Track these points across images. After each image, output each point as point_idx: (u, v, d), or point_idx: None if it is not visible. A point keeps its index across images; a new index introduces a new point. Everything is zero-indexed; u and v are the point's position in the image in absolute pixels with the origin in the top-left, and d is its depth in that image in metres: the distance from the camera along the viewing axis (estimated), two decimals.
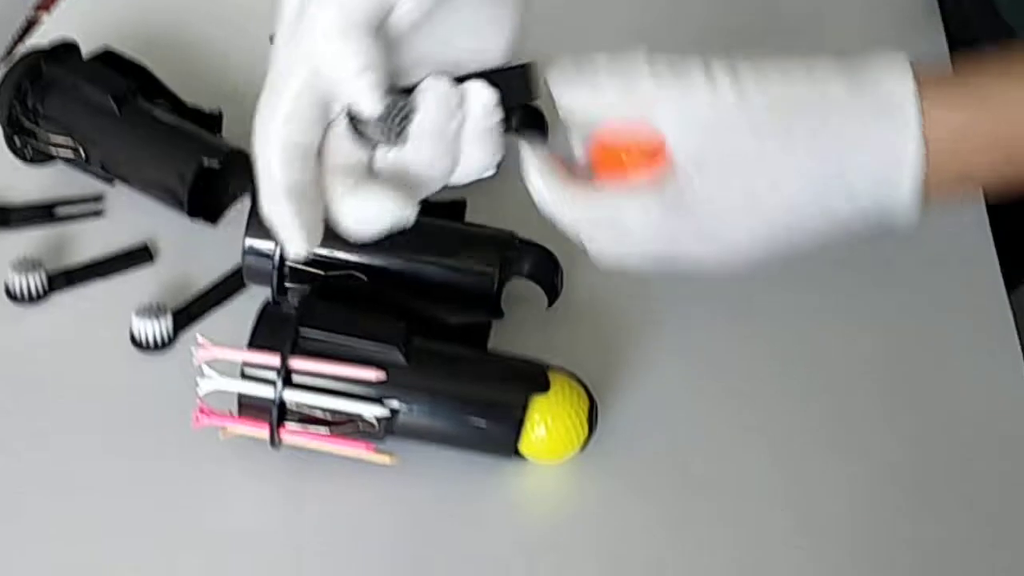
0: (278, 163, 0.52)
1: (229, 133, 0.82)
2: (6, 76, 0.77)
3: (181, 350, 0.71)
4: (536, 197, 0.53)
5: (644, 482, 0.68)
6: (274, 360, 0.62)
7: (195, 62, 0.92)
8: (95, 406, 0.69)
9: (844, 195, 0.46)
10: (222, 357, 0.63)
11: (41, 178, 0.81)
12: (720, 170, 0.47)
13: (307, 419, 0.63)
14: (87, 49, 0.81)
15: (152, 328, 0.70)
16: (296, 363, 0.62)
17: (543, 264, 0.74)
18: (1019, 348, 0.76)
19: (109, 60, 0.81)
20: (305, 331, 0.63)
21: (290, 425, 0.63)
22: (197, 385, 0.63)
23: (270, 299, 0.70)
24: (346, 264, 0.70)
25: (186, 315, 0.73)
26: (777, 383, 0.74)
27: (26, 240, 0.77)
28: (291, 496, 0.66)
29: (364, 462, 0.64)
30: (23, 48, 0.88)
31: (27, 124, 0.77)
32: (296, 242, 0.54)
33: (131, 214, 0.79)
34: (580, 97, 0.50)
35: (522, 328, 0.74)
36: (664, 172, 0.48)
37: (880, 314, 0.78)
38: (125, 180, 0.78)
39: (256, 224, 0.70)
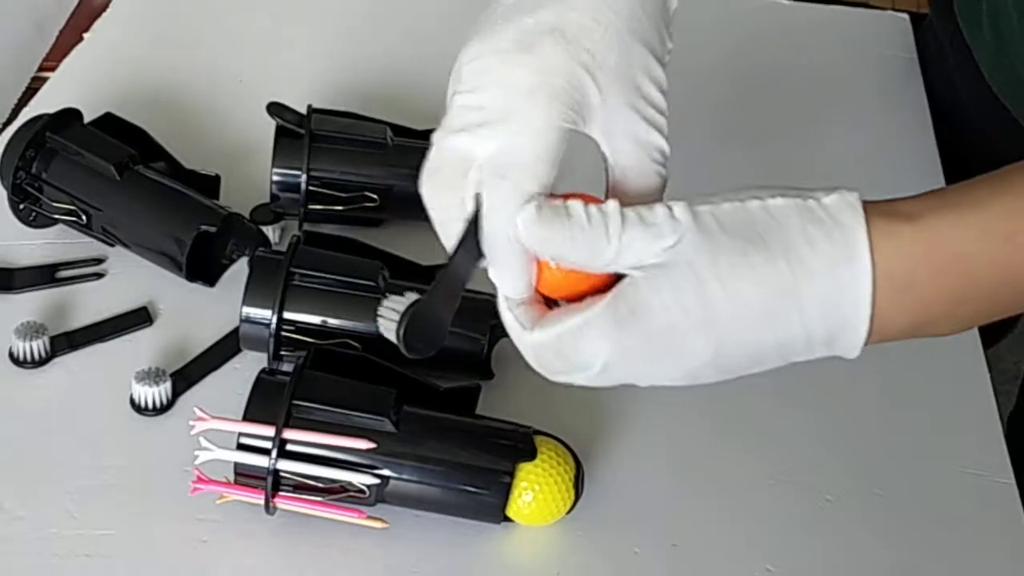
0: None
1: (226, 196, 0.84)
2: (11, 144, 0.79)
3: (180, 412, 0.73)
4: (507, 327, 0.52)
5: (631, 545, 0.70)
6: (269, 432, 0.64)
7: (193, 124, 0.94)
8: (95, 469, 0.71)
9: (797, 319, 0.47)
10: (219, 428, 0.65)
11: (43, 240, 0.83)
12: (673, 283, 0.47)
13: (301, 486, 0.65)
14: (88, 109, 0.84)
15: (151, 393, 0.72)
16: (290, 434, 0.64)
17: None
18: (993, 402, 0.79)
19: (110, 123, 0.83)
20: (298, 403, 0.65)
21: (285, 492, 0.65)
22: (195, 453, 0.65)
23: (266, 365, 0.72)
24: (339, 332, 0.72)
25: (184, 378, 0.75)
26: (762, 445, 0.76)
27: (28, 302, 0.79)
28: (286, 559, 0.68)
29: (357, 526, 0.66)
30: (27, 111, 0.90)
31: (31, 191, 0.80)
32: None
33: (131, 275, 0.81)
34: (550, 248, 0.49)
35: (512, 389, 0.75)
36: (618, 288, 0.49)
37: (864, 391, 0.79)
38: (125, 245, 0.80)
39: (253, 292, 0.72)
